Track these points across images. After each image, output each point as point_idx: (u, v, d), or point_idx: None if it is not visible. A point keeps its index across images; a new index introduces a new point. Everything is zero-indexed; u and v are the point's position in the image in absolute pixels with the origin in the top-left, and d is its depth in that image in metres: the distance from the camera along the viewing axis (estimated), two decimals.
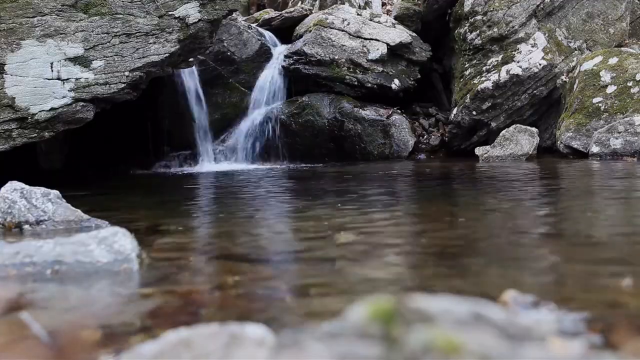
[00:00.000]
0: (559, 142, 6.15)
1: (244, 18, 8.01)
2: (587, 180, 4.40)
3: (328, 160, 6.70)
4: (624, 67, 6.11)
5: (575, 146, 6.00)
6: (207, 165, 6.57)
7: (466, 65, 6.87)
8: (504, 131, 6.27)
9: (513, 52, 6.65)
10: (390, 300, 0.86)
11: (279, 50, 7.17)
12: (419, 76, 7.23)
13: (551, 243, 2.31)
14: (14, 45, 4.43)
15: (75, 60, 4.53)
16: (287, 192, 4.47)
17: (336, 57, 6.95)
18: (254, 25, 7.48)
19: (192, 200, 4.30)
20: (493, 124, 6.68)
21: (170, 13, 4.77)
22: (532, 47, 6.64)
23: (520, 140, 6.16)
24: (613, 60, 6.20)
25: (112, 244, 1.93)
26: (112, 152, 6.53)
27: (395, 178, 5.12)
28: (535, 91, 6.60)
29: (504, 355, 0.79)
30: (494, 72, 6.64)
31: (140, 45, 4.68)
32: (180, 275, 1.90)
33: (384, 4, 8.43)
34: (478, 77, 6.73)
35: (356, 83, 6.96)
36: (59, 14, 4.52)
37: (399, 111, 7.07)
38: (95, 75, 4.56)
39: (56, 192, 2.78)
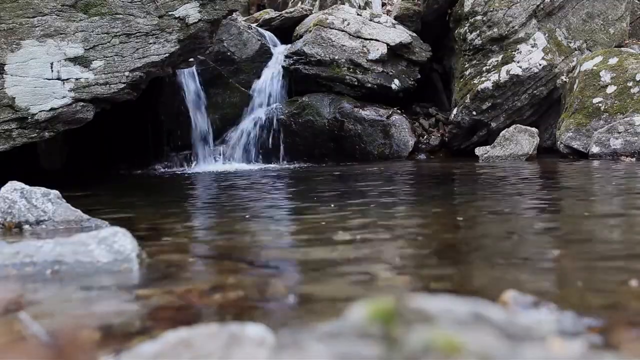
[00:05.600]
0: (559, 142, 6.15)
1: (244, 18, 8.00)
2: (587, 180, 4.40)
3: (328, 160, 6.70)
4: (624, 67, 6.11)
5: (575, 146, 6.00)
6: (207, 165, 6.56)
7: (466, 65, 6.87)
8: (504, 131, 6.27)
9: (513, 52, 6.64)
10: (390, 300, 0.86)
11: (279, 51, 7.17)
12: (419, 76, 7.22)
13: (551, 243, 2.31)
14: (14, 45, 4.43)
15: (75, 60, 4.53)
16: (286, 192, 4.47)
17: (336, 57, 6.95)
18: (254, 25, 7.48)
19: (192, 200, 4.30)
20: (493, 124, 6.68)
21: (170, 13, 4.77)
22: (532, 47, 6.63)
23: (520, 140, 6.16)
24: (613, 61, 6.20)
25: (112, 244, 1.93)
26: (112, 152, 6.53)
27: (395, 178, 5.11)
28: (535, 91, 6.60)
29: (504, 355, 0.79)
30: (494, 72, 6.64)
31: (140, 45, 4.68)
32: (180, 275, 1.90)
33: (384, 4, 8.43)
34: (478, 77, 6.73)
35: (356, 83, 6.96)
36: (59, 14, 4.52)
37: (399, 111, 7.07)
38: (95, 75, 4.56)
39: (56, 192, 2.78)
